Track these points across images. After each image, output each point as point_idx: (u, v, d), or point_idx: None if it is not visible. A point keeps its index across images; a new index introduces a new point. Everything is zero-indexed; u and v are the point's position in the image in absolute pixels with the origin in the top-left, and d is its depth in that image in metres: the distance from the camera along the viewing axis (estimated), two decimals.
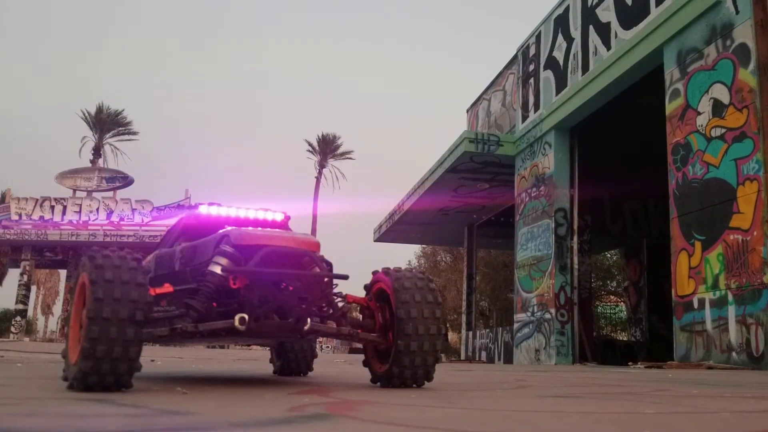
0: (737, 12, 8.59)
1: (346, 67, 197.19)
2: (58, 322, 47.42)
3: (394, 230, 21.77)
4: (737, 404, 2.86)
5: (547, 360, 12.52)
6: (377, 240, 23.48)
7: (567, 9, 13.43)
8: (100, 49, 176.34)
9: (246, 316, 3.06)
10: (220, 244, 3.29)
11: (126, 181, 37.31)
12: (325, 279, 3.33)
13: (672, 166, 9.58)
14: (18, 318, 34.62)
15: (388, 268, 3.59)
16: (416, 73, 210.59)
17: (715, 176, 8.63)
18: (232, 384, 3.77)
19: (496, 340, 17.29)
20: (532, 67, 14.94)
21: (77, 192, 36.18)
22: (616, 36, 11.53)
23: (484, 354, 18.07)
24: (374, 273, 3.66)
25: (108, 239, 32.69)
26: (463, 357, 19.71)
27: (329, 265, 3.40)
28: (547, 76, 14.10)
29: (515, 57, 16.24)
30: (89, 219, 34.20)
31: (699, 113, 9.08)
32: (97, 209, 34.53)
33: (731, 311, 8.06)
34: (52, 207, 34.41)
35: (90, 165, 40.07)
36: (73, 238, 33.30)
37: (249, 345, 20.93)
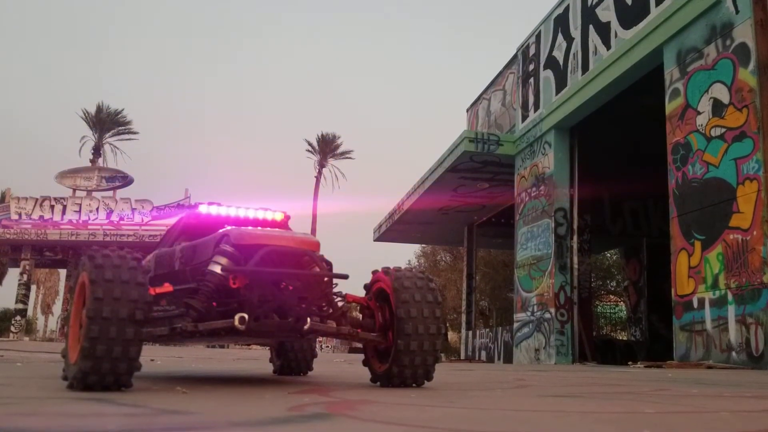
0: (737, 11, 8.59)
1: (346, 67, 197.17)
2: (57, 322, 47.51)
3: (393, 230, 21.77)
4: (737, 404, 2.87)
5: (546, 359, 12.52)
6: (377, 239, 23.48)
7: (567, 8, 13.43)
8: (100, 49, 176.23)
9: (246, 316, 3.06)
10: (219, 243, 3.29)
11: (126, 180, 37.31)
12: (325, 278, 3.33)
13: (672, 165, 9.58)
14: (18, 317, 34.62)
15: (388, 268, 3.59)
16: (416, 72, 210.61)
17: (715, 176, 8.63)
18: (232, 383, 3.77)
19: (496, 340, 17.30)
20: (532, 67, 14.94)
21: (77, 191, 36.18)
22: (616, 35, 11.53)
23: (483, 353, 18.07)
24: (374, 272, 3.66)
25: (108, 239, 32.68)
26: (462, 356, 19.71)
27: (329, 264, 3.40)
28: (547, 75, 14.10)
29: (515, 56, 16.24)
30: (89, 218, 34.21)
31: (699, 113, 9.08)
32: (97, 209, 34.53)
33: (731, 311, 8.06)
34: (52, 206, 34.41)
35: (90, 164, 40.08)
36: (73, 238, 33.30)
37: (249, 344, 20.92)
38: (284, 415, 2.09)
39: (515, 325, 14.34)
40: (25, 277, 34.89)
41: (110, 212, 34.39)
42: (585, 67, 12.47)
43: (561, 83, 13.38)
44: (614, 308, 28.75)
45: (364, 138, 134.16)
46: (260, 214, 4.05)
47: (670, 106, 9.74)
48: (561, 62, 13.49)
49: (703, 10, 9.16)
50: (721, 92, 8.72)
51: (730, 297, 8.11)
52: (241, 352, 19.69)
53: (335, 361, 9.94)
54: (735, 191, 8.22)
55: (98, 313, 2.62)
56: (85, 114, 43.00)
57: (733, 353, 7.92)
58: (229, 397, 2.71)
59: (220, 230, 3.43)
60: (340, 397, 2.75)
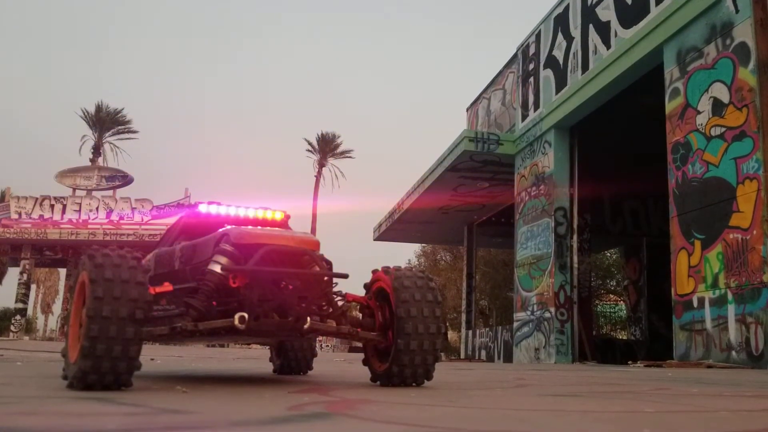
0: (737, 11, 8.58)
1: (346, 67, 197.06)
2: (57, 321, 47.55)
3: (393, 229, 21.76)
4: (737, 403, 2.87)
5: (546, 359, 12.52)
6: (377, 239, 23.48)
7: (567, 8, 13.43)
8: (100, 48, 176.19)
9: (246, 315, 3.06)
10: (219, 242, 3.28)
11: (126, 179, 37.32)
12: (325, 278, 3.33)
13: (672, 165, 9.58)
14: (18, 317, 34.63)
15: (388, 267, 3.58)
16: (416, 72, 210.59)
17: (715, 175, 8.63)
18: (231, 383, 3.77)
19: (496, 339, 17.30)
20: (531, 66, 14.94)
21: (77, 191, 36.19)
22: (615, 35, 11.52)
23: (483, 353, 18.08)
24: (374, 272, 3.66)
25: (108, 238, 32.69)
26: (462, 356, 19.71)
27: (329, 263, 3.40)
28: (546, 75, 14.09)
29: (515, 56, 16.23)
30: (89, 218, 34.21)
31: (699, 112, 9.08)
32: (97, 208, 34.54)
33: (731, 310, 8.07)
34: (52, 206, 34.41)
35: (90, 164, 40.08)
36: (73, 237, 33.31)
37: (249, 344, 20.93)
38: (284, 414, 2.09)
39: (515, 324, 14.35)
40: (24, 276, 34.90)
41: (110, 212, 34.40)
42: (585, 67, 12.46)
43: (561, 82, 13.38)
44: (614, 308, 28.74)
45: (364, 138, 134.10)
46: (260, 214, 4.05)
47: (670, 106, 9.74)
48: (561, 61, 13.48)
49: (703, 9, 9.16)
50: (721, 91, 8.72)
51: (730, 296, 8.11)
52: (241, 352, 19.70)
53: (335, 361, 9.94)
54: (735, 190, 8.22)
55: (98, 312, 2.62)
56: (84, 113, 43.04)
57: (733, 352, 7.93)
58: (229, 396, 2.71)
59: (220, 229, 3.42)
60: (339, 397, 2.75)
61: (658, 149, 10.24)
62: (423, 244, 33.39)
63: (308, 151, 47.74)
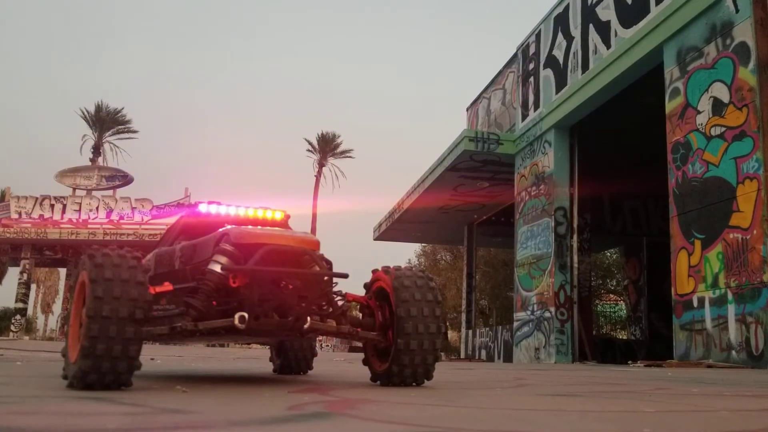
0: (737, 11, 8.58)
1: (345, 66, 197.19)
2: (57, 321, 47.53)
3: (393, 229, 21.77)
4: (737, 403, 2.87)
5: (546, 358, 12.52)
6: (377, 238, 23.48)
7: (567, 8, 13.43)
8: (100, 48, 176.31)
9: (246, 315, 3.06)
10: (219, 242, 3.28)
11: (126, 179, 37.31)
12: (325, 277, 3.33)
13: (672, 164, 9.58)
14: (18, 316, 34.62)
15: (388, 267, 3.58)
16: (416, 72, 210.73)
17: (715, 175, 8.63)
18: (231, 382, 3.76)
19: (496, 339, 17.30)
20: (532, 66, 14.94)
21: (77, 190, 36.17)
22: (616, 34, 11.52)
23: (483, 352, 18.08)
24: (374, 271, 3.66)
25: (108, 238, 32.68)
26: (462, 356, 19.71)
27: (329, 263, 3.39)
28: (546, 74, 14.09)
29: (515, 55, 16.23)
30: (89, 217, 34.20)
31: (699, 112, 9.08)
32: (97, 208, 34.52)
33: (731, 310, 8.07)
34: (52, 205, 34.40)
35: (90, 163, 40.06)
36: (73, 237, 33.30)
37: (249, 344, 20.93)
38: (284, 414, 2.09)
39: (515, 324, 14.35)
40: (25, 276, 34.89)
41: (110, 211, 34.38)
42: (585, 66, 12.46)
43: (561, 82, 13.38)
44: (614, 307, 28.76)
45: (364, 138, 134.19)
46: (260, 213, 4.05)
47: (670, 105, 9.74)
48: (561, 61, 13.48)
49: (703, 9, 9.16)
50: (721, 91, 8.72)
51: (730, 296, 8.11)
52: (241, 351, 19.70)
53: (335, 360, 9.94)
54: (735, 190, 8.22)
55: (98, 312, 2.62)
56: (84, 113, 43.03)
57: (733, 352, 7.93)
58: (229, 396, 2.71)
59: (220, 229, 3.42)
60: (339, 396, 2.75)
61: (658, 149, 10.24)
62: (423, 244, 33.39)
63: (308, 150, 47.78)
